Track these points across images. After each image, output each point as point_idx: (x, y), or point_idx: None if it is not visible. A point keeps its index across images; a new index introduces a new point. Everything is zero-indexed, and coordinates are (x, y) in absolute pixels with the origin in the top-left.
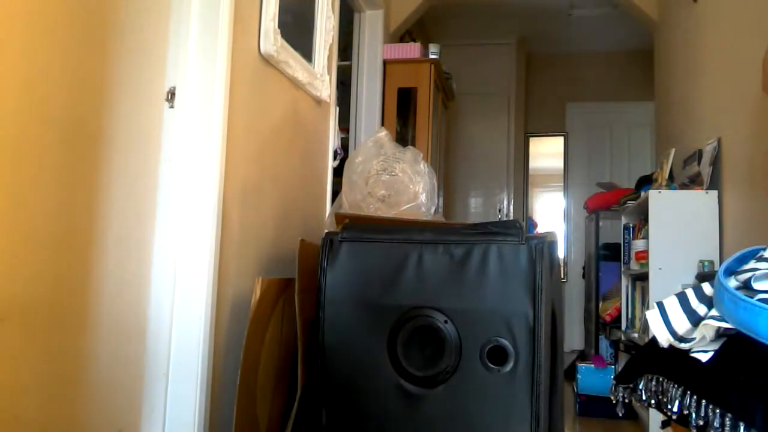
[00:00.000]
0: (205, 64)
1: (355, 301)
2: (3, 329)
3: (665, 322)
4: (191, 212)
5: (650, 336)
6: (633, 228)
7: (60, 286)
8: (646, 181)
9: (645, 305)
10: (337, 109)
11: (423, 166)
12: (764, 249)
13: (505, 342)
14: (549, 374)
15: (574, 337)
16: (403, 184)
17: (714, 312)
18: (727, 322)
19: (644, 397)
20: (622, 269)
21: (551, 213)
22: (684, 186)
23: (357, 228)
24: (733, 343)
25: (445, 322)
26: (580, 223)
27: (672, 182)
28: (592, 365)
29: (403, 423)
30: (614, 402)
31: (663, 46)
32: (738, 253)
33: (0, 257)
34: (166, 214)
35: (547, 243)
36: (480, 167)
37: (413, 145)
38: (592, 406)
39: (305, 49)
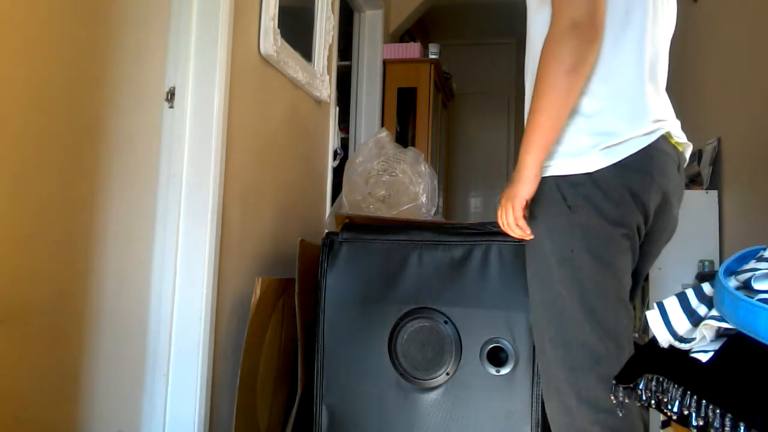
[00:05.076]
0: (205, 64)
1: (355, 302)
2: (3, 330)
3: (665, 322)
4: (191, 212)
5: (650, 336)
6: None
7: (60, 287)
8: None
9: (645, 305)
10: (337, 109)
11: (424, 167)
12: (764, 249)
13: (506, 342)
14: None
15: None
16: (403, 185)
17: (714, 312)
18: (727, 322)
19: (644, 397)
20: None
21: None
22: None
23: (357, 228)
24: (733, 343)
25: (445, 322)
26: None
27: None
28: None
29: (403, 424)
30: (614, 402)
31: None
32: (738, 253)
33: (0, 259)
34: (166, 214)
35: None
36: (480, 167)
37: (413, 145)
38: None
39: (305, 49)
